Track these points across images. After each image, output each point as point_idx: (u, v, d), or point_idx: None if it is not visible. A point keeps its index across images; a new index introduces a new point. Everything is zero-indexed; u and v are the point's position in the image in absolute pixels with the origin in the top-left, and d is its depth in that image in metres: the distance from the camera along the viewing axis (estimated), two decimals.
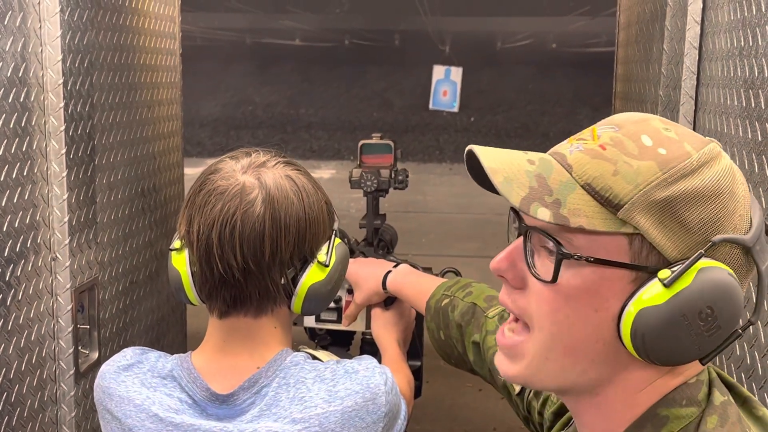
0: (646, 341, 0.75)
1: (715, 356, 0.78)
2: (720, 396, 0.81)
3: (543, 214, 0.75)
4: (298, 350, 1.22)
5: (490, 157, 0.79)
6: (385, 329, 1.69)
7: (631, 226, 0.75)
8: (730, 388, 0.85)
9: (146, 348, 1.23)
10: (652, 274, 0.75)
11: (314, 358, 1.21)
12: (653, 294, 0.74)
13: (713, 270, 0.74)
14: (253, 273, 1.11)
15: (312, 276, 1.16)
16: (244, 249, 1.10)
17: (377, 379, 1.15)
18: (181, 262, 1.17)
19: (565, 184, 0.77)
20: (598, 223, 0.75)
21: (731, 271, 0.74)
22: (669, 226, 0.75)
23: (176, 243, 1.18)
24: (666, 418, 0.80)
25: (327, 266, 1.17)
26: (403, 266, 1.64)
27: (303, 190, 1.15)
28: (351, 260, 1.65)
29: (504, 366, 0.84)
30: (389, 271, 1.64)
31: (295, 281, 1.16)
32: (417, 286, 1.57)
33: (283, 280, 1.14)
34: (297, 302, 1.17)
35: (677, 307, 0.73)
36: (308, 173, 1.20)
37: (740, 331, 0.76)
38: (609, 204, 0.75)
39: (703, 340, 0.75)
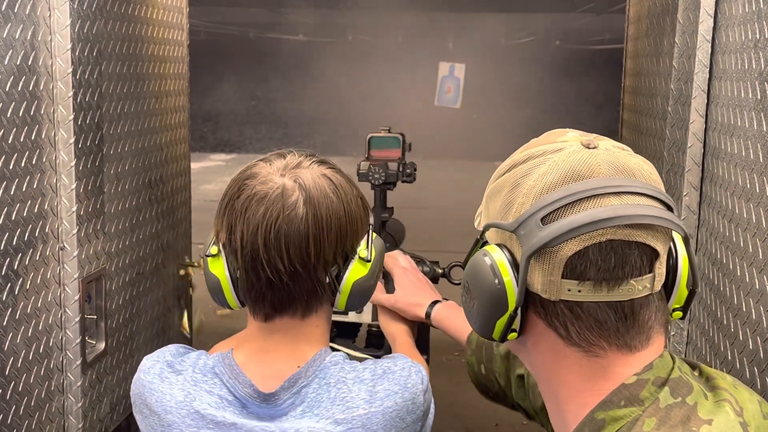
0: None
1: (507, 329, 0.90)
2: (670, 398, 0.85)
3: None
4: (336, 350, 1.22)
5: None
6: (393, 321, 1.69)
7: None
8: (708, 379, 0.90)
9: (188, 347, 1.23)
10: None
11: (351, 357, 1.22)
12: None
13: (478, 252, 0.92)
14: (300, 275, 1.12)
15: (355, 272, 1.17)
16: (290, 252, 1.10)
17: (414, 379, 1.17)
18: (219, 267, 1.16)
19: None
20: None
21: (489, 250, 0.90)
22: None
23: (213, 249, 1.17)
24: (603, 422, 0.85)
25: (369, 261, 1.18)
26: (450, 302, 1.64)
27: (340, 188, 1.15)
28: (401, 270, 1.70)
29: None
30: (435, 302, 1.65)
31: (339, 278, 1.16)
32: (458, 319, 1.56)
33: (327, 279, 1.15)
34: (342, 299, 1.18)
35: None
36: (341, 170, 1.21)
37: (517, 307, 0.88)
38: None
39: (471, 311, 0.93)
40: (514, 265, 0.88)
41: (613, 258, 0.85)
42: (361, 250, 1.18)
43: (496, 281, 0.88)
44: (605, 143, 0.90)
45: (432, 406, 1.26)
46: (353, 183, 1.20)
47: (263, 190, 1.11)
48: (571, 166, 0.86)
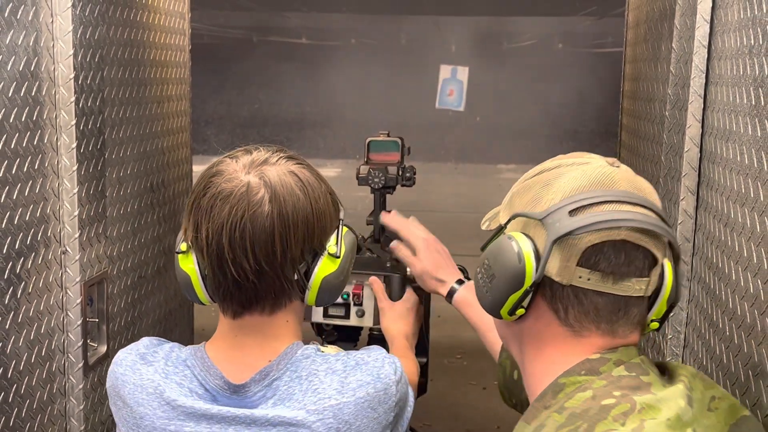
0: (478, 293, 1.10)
1: (517, 305, 1.04)
2: (624, 372, 1.00)
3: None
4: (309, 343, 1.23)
5: None
6: (394, 322, 1.70)
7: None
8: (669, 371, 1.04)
9: (162, 339, 1.23)
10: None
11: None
12: None
13: (500, 237, 1.06)
14: (266, 273, 1.11)
15: (324, 268, 1.17)
16: (255, 251, 1.09)
17: (387, 370, 1.17)
18: (189, 264, 1.17)
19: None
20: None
21: (513, 235, 1.04)
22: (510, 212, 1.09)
23: (182, 246, 1.17)
24: (563, 385, 1.01)
25: (338, 257, 1.17)
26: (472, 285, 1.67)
27: (307, 184, 1.14)
28: (423, 241, 1.72)
29: None
30: (460, 282, 1.65)
31: (307, 275, 1.16)
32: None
33: (295, 276, 1.15)
34: (311, 295, 1.18)
35: (478, 263, 1.09)
36: (310, 165, 1.20)
37: (534, 282, 1.01)
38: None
39: (488, 287, 1.06)
40: (534, 249, 1.02)
41: (623, 256, 1.00)
42: (331, 246, 1.17)
43: (519, 260, 1.01)
44: (625, 166, 1.06)
45: (411, 399, 1.25)
46: (322, 179, 1.20)
47: (228, 189, 1.10)
48: (597, 176, 1.02)
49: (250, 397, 1.13)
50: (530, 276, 1.01)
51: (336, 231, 1.20)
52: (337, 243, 1.18)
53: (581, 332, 1.02)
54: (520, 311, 1.05)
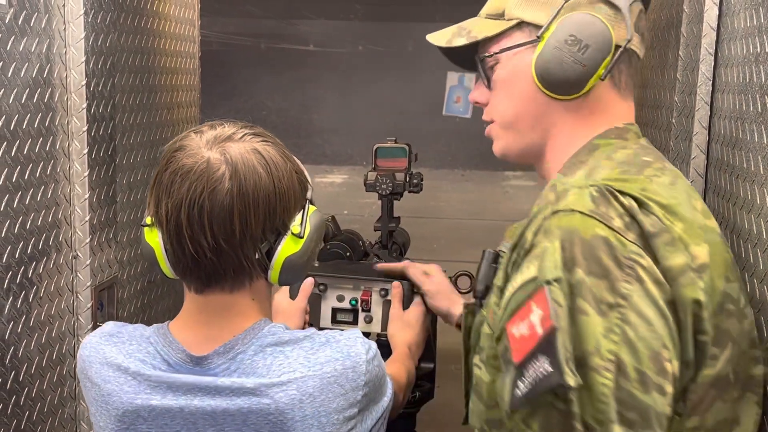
0: (548, 77, 1.19)
1: (609, 70, 1.20)
2: (646, 143, 1.23)
3: (458, 41, 1.29)
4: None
5: (437, 35, 1.34)
6: (401, 331, 1.70)
7: (514, 19, 1.23)
8: None
9: (126, 323, 1.23)
10: (539, 40, 1.20)
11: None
12: (539, 47, 1.20)
13: (571, 15, 1.18)
14: (225, 251, 1.10)
15: (287, 248, 1.15)
16: (213, 228, 1.08)
17: (358, 348, 1.15)
18: (154, 238, 1.15)
19: (474, 20, 1.30)
20: (493, 28, 1.25)
21: (590, 12, 1.18)
22: (534, 6, 1.22)
23: (147, 219, 1.16)
24: (597, 145, 1.20)
25: (301, 237, 1.15)
26: None
27: (271, 162, 1.12)
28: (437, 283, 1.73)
29: (493, 149, 1.33)
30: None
31: (270, 254, 1.14)
32: None
33: (257, 255, 1.13)
34: (273, 275, 1.16)
35: (551, 44, 1.18)
36: (277, 142, 1.18)
37: (627, 43, 1.19)
38: (498, 17, 1.26)
39: (579, 57, 1.17)
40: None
41: (645, 24, 1.27)
42: (295, 225, 1.15)
43: (608, 27, 1.17)
44: None
45: (388, 389, 1.24)
46: (290, 157, 1.18)
47: (188, 164, 1.09)
48: None
49: (213, 369, 1.12)
50: (614, 39, 1.17)
51: (302, 211, 1.18)
52: (302, 223, 1.16)
53: (625, 98, 1.23)
54: (602, 78, 1.19)
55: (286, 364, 1.11)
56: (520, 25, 1.23)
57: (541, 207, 1.10)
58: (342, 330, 1.93)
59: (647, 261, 1.02)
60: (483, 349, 1.17)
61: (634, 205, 1.05)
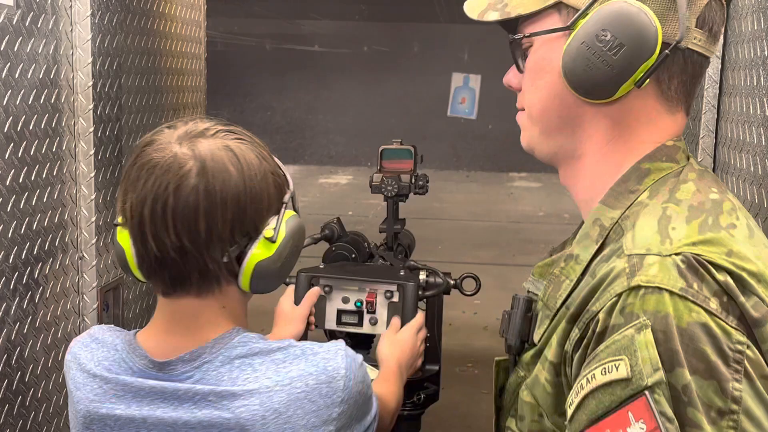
0: (572, 75, 0.96)
1: (649, 73, 0.94)
2: (698, 166, 1.01)
3: (491, 15, 1.06)
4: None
5: (473, 4, 1.10)
6: (389, 346, 1.61)
7: None
8: None
9: (112, 326, 1.20)
10: (572, 28, 0.97)
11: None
12: (570, 37, 0.97)
13: (609, 4, 0.94)
14: (189, 251, 1.04)
15: (258, 253, 1.08)
16: (177, 226, 1.03)
17: (337, 363, 1.08)
18: (125, 237, 1.10)
19: None
20: (530, 5, 1.01)
21: (636, 1, 0.92)
22: None
23: (119, 218, 1.11)
24: (648, 170, 0.98)
25: (274, 242, 1.09)
26: None
27: (243, 161, 1.06)
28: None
29: (520, 140, 1.11)
30: None
31: (240, 259, 1.08)
32: None
33: (225, 258, 1.06)
34: (244, 281, 1.10)
35: (580, 37, 0.95)
36: (254, 141, 1.12)
37: (677, 43, 0.93)
38: None
39: (609, 58, 0.94)
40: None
41: (719, 15, 0.97)
42: (268, 230, 1.08)
43: (651, 23, 0.92)
44: None
45: (373, 408, 1.18)
46: (266, 158, 1.11)
47: (155, 159, 1.04)
48: None
49: (177, 376, 1.08)
50: (660, 36, 0.92)
51: (277, 215, 1.11)
52: (276, 227, 1.09)
53: (673, 110, 0.99)
54: (647, 81, 0.96)
55: (253, 377, 1.05)
56: (559, 5, 1.00)
57: (604, 271, 0.90)
58: (344, 332, 1.95)
59: (754, 353, 0.83)
60: (524, 418, 1.05)
61: (730, 281, 0.85)
